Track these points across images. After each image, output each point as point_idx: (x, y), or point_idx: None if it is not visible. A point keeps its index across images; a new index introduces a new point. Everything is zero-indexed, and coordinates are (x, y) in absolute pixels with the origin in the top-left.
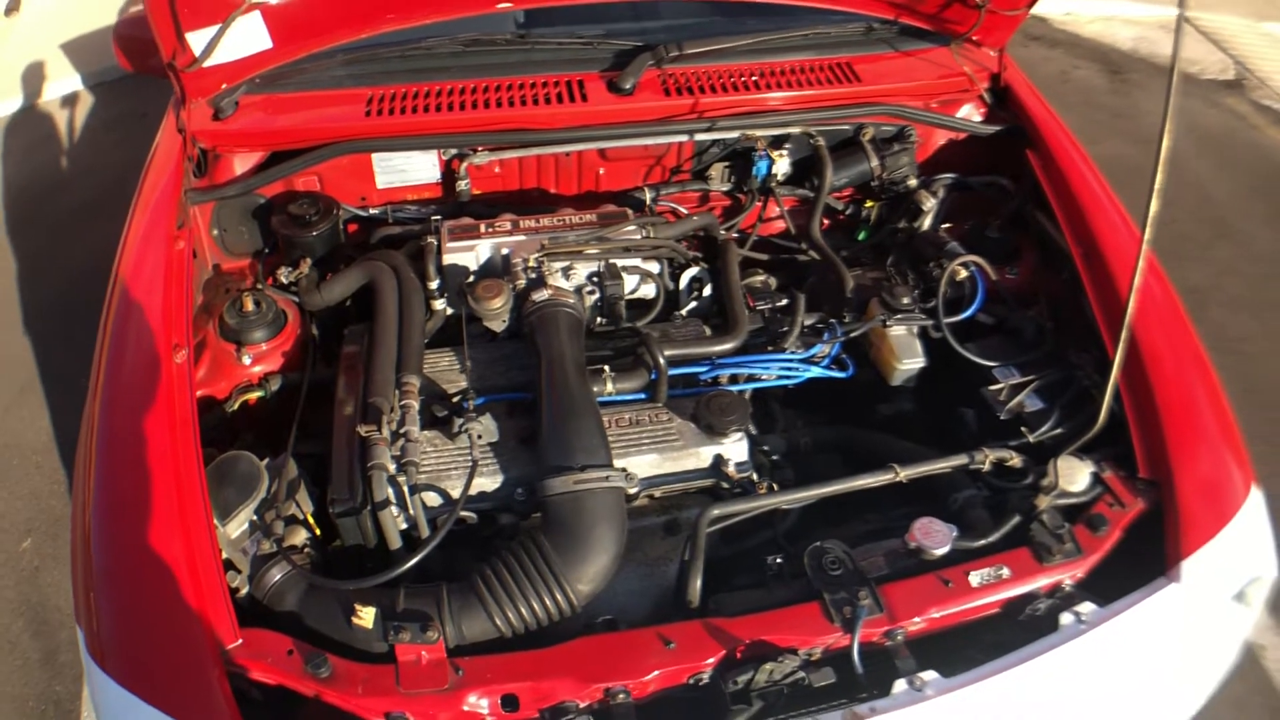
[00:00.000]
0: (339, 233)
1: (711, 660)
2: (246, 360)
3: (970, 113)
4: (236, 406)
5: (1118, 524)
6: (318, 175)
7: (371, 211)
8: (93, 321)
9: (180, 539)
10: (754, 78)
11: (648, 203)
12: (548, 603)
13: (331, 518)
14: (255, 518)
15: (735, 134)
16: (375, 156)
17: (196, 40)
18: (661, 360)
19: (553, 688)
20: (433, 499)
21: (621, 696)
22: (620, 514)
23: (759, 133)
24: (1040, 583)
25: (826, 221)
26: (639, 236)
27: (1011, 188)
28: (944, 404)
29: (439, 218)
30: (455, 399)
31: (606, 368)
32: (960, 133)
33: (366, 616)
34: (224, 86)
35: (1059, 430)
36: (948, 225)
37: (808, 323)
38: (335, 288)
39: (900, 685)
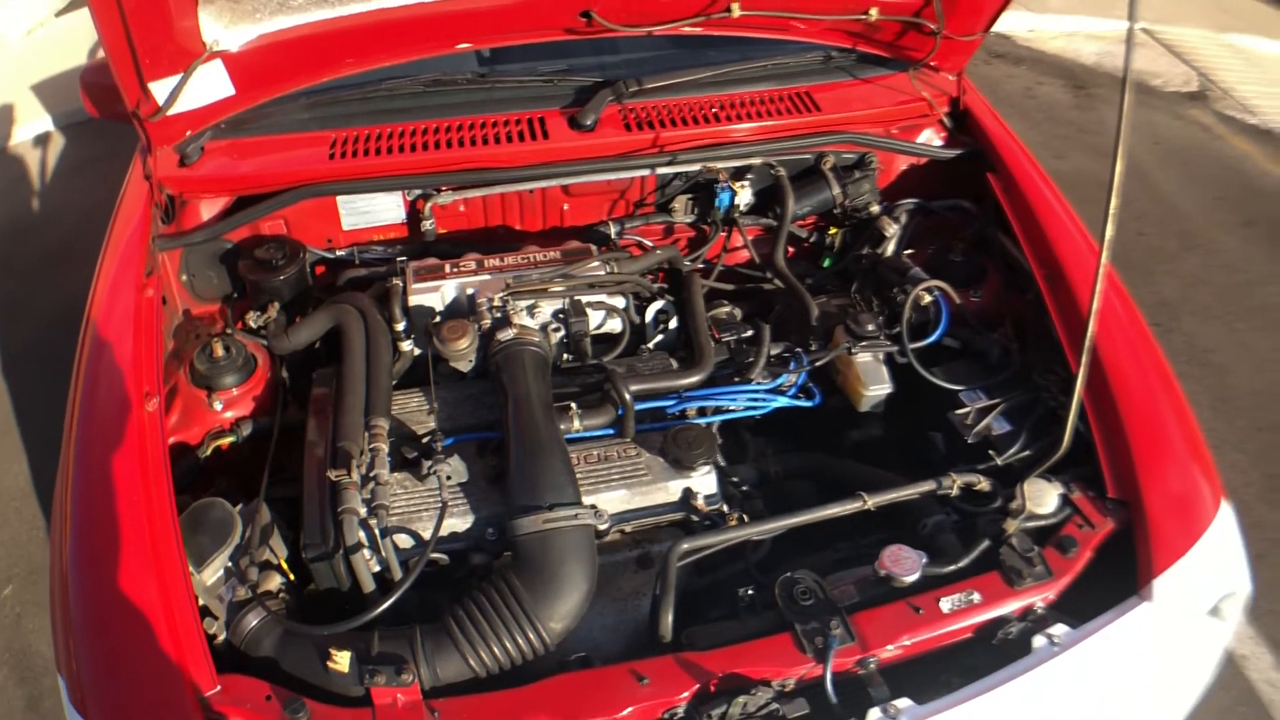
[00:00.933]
0: (306, 276)
1: (685, 695)
2: (218, 406)
3: (930, 137)
4: (209, 452)
5: (1087, 545)
6: (284, 219)
7: (338, 253)
8: (68, 366)
9: (156, 587)
10: (714, 109)
11: (613, 237)
12: (520, 642)
13: (305, 562)
14: (230, 564)
15: (697, 167)
16: (340, 199)
17: (159, 89)
18: (627, 396)
19: None
20: (405, 541)
21: None
22: (590, 551)
23: (720, 165)
24: (1011, 606)
25: (791, 250)
26: (603, 272)
27: (974, 210)
28: (912, 428)
29: (404, 259)
30: (424, 439)
31: (574, 404)
32: (921, 158)
33: (341, 661)
34: (188, 133)
35: (1026, 453)
36: (910, 251)
37: (774, 352)
38: (303, 332)
39: (875, 714)
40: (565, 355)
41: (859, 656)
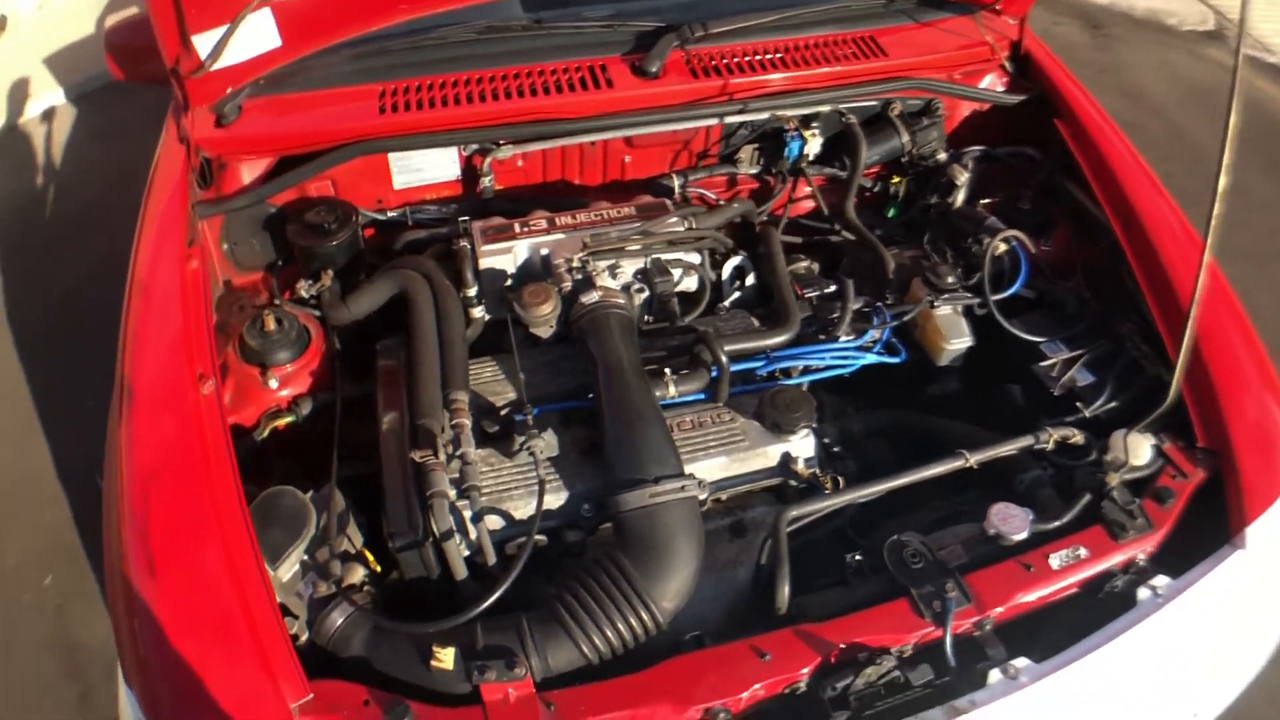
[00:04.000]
0: (359, 240)
1: (807, 669)
2: (273, 384)
3: (993, 83)
4: (266, 434)
5: (1182, 495)
6: (331, 179)
7: (390, 214)
8: (89, 340)
9: (232, 588)
10: (779, 55)
11: (676, 190)
12: (634, 623)
13: (391, 552)
14: (306, 557)
15: (765, 115)
16: (392, 156)
17: (202, 43)
18: (723, 358)
19: (650, 715)
20: (494, 522)
21: (722, 716)
22: (697, 524)
23: (790, 112)
24: (1115, 560)
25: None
26: (683, 228)
27: (1038, 157)
28: (988, 382)
29: (466, 218)
30: (505, 412)
31: (667, 370)
32: (984, 104)
33: (446, 658)
34: (228, 90)
35: (1113, 404)
36: (986, 201)
37: (854, 307)
38: (363, 300)
39: (995, 675)
40: (646, 317)
41: (975, 618)
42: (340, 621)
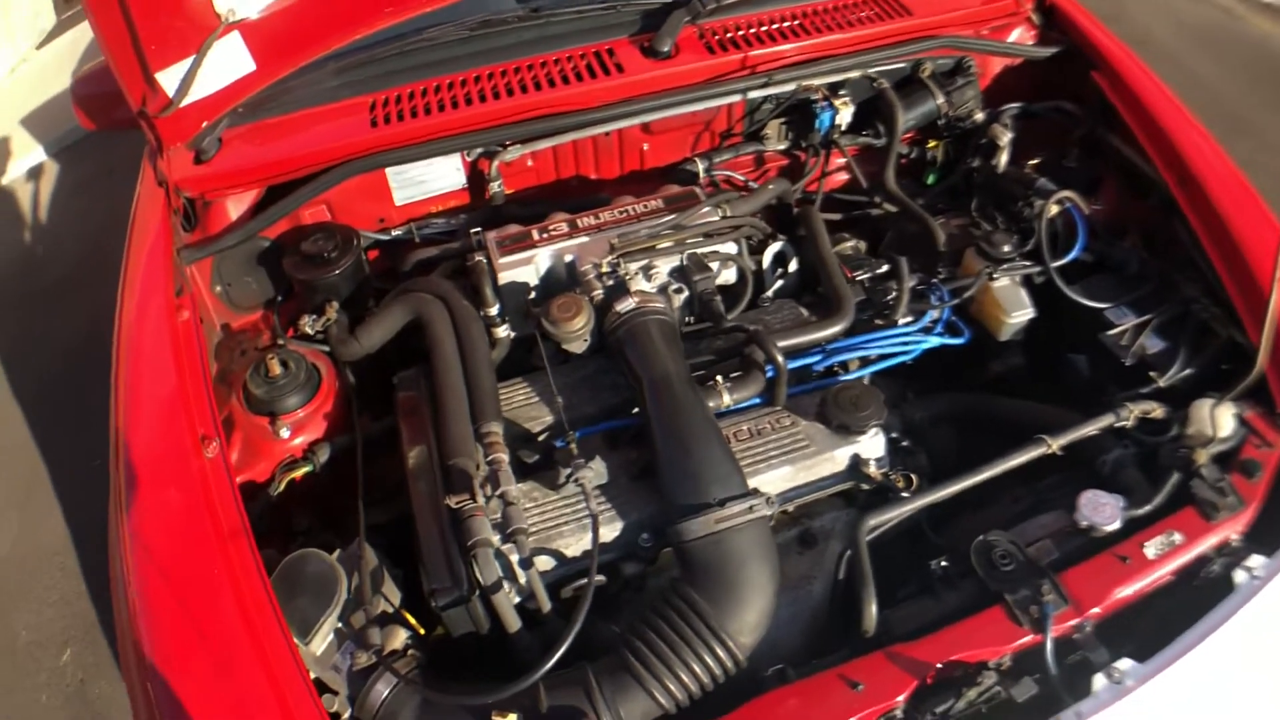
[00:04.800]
0: (363, 265)
1: (903, 696)
2: (284, 433)
3: (1021, 36)
4: (282, 488)
5: (1269, 466)
6: (326, 203)
7: (394, 233)
8: (88, 400)
9: (260, 670)
10: (797, 22)
11: (701, 174)
12: (711, 664)
13: (435, 611)
14: (340, 625)
15: (791, 86)
16: (390, 170)
17: (167, 79)
18: (779, 357)
19: None
20: (544, 563)
21: None
22: (770, 547)
23: (817, 81)
24: (1209, 542)
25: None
26: (716, 217)
27: (1077, 111)
28: (1050, 355)
29: (479, 229)
30: (543, 438)
31: (719, 378)
32: (1016, 59)
33: None
34: (204, 124)
35: (1188, 371)
36: (1031, 162)
37: (909, 286)
38: (374, 332)
39: (1100, 681)
40: (687, 319)
41: (1075, 620)
42: (386, 694)
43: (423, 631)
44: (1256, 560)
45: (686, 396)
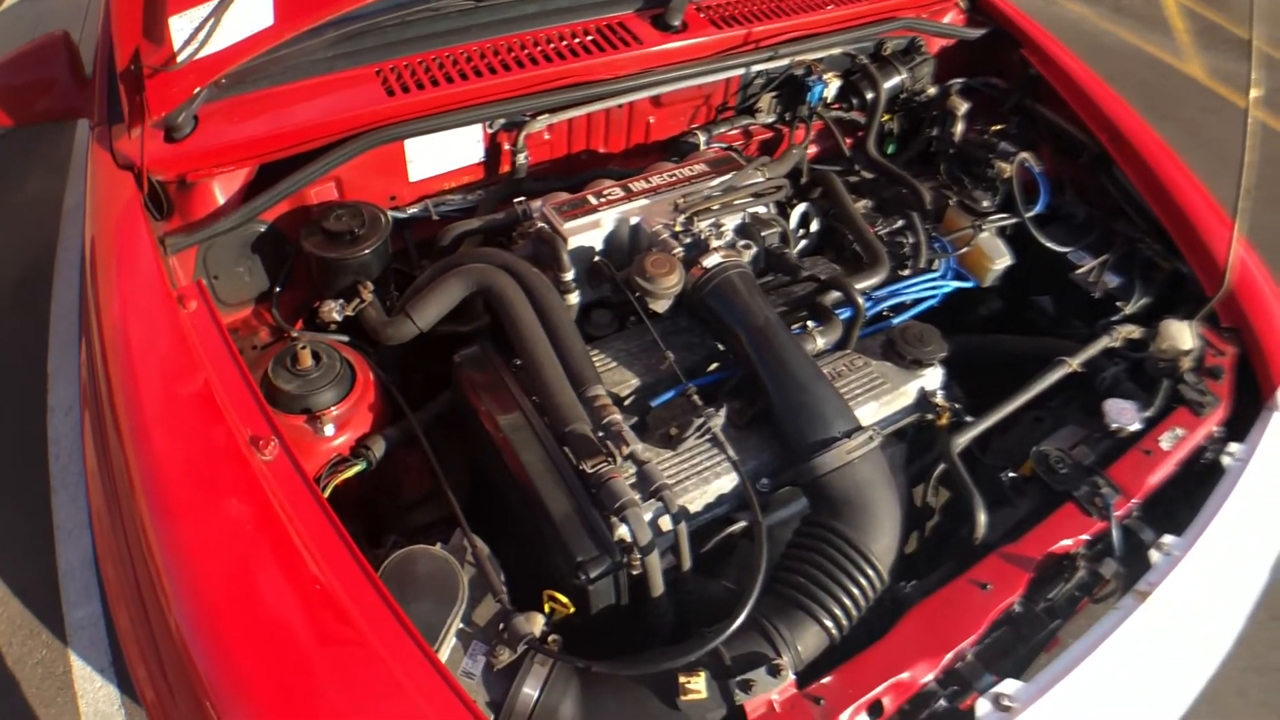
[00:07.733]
0: (389, 244)
1: (1021, 589)
2: (328, 430)
3: (953, 19)
4: (329, 491)
5: (1228, 369)
6: (336, 180)
7: (410, 211)
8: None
9: (412, 702)
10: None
11: (703, 145)
12: (865, 585)
13: (575, 586)
14: (462, 625)
15: (786, 61)
16: (408, 143)
17: (180, 26)
18: (860, 300)
19: (912, 676)
20: (665, 522)
21: (970, 656)
22: (889, 473)
23: (812, 56)
24: (1201, 434)
25: (849, 140)
26: (760, 179)
27: (1004, 86)
28: (1017, 297)
29: (522, 199)
30: (631, 400)
31: (810, 323)
32: (950, 40)
33: (698, 686)
34: (197, 90)
35: (1146, 299)
36: (996, 127)
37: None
38: (430, 308)
39: (1155, 555)
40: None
41: (1127, 506)
42: (539, 689)
43: (571, 609)
44: (1235, 446)
45: (790, 342)
